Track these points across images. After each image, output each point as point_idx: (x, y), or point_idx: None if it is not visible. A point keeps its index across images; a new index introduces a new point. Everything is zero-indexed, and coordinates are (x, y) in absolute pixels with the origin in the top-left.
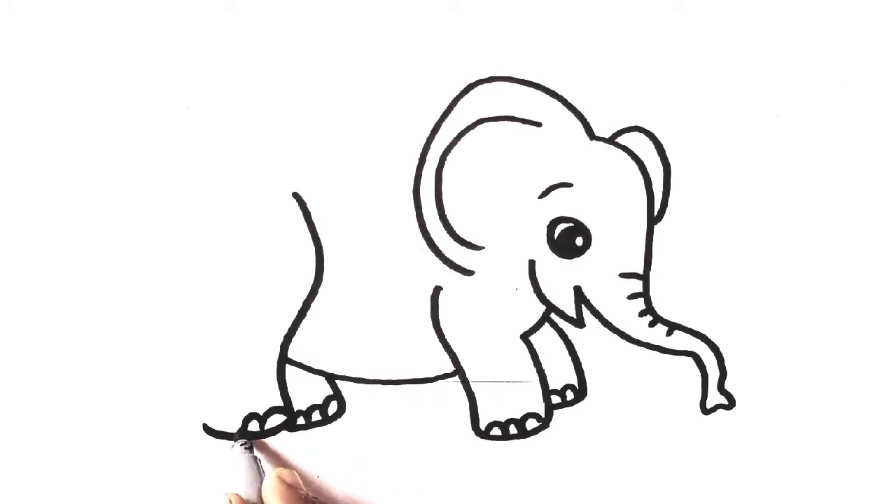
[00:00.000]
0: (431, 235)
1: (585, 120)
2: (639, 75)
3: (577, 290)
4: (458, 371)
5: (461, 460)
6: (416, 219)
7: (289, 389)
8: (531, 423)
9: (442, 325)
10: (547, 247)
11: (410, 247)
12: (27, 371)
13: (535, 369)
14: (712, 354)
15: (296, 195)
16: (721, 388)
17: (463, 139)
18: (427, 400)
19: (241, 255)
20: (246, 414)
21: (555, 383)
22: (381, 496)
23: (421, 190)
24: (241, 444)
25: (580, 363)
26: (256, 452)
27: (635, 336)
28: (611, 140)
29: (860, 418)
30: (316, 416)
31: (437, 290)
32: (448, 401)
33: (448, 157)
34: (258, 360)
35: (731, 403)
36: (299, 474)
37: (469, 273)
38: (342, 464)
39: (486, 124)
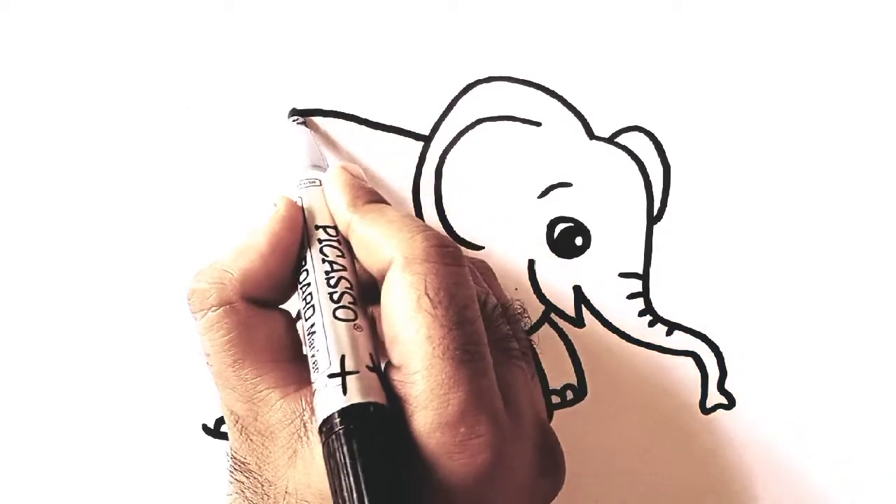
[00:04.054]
0: None
1: (585, 120)
2: (638, 75)
3: (577, 290)
4: None
5: None
6: None
7: None
8: None
9: None
10: (546, 247)
11: None
12: (25, 371)
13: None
14: (712, 354)
15: None
16: (721, 388)
17: (462, 139)
18: None
19: None
20: None
21: (554, 383)
22: None
23: (421, 190)
24: (293, 120)
25: (580, 363)
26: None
27: (635, 336)
28: (610, 140)
29: (861, 418)
30: None
31: None
32: None
33: (447, 157)
34: None
35: (731, 403)
36: None
37: None
38: None
39: (485, 124)
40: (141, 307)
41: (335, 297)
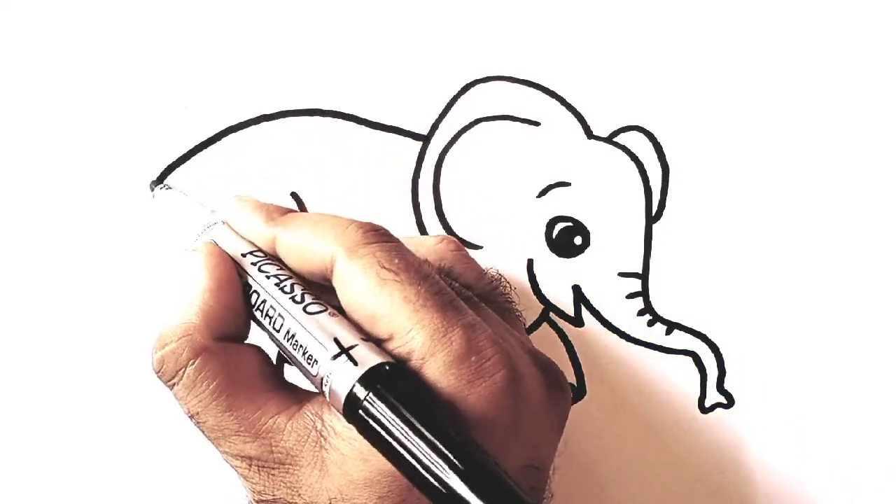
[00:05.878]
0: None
1: (584, 119)
2: (637, 75)
3: (576, 290)
4: None
5: None
6: (414, 219)
7: None
8: None
9: None
10: (545, 246)
11: None
12: (25, 372)
13: None
14: (711, 354)
15: (294, 195)
16: (720, 387)
17: (461, 139)
18: None
19: None
20: None
21: None
22: None
23: (419, 190)
24: (160, 188)
25: (579, 362)
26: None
27: (634, 335)
28: (609, 139)
29: (860, 418)
30: None
31: None
32: None
33: (446, 157)
34: None
35: (729, 402)
36: None
37: None
38: None
39: (484, 124)
40: (141, 306)
41: (297, 298)
